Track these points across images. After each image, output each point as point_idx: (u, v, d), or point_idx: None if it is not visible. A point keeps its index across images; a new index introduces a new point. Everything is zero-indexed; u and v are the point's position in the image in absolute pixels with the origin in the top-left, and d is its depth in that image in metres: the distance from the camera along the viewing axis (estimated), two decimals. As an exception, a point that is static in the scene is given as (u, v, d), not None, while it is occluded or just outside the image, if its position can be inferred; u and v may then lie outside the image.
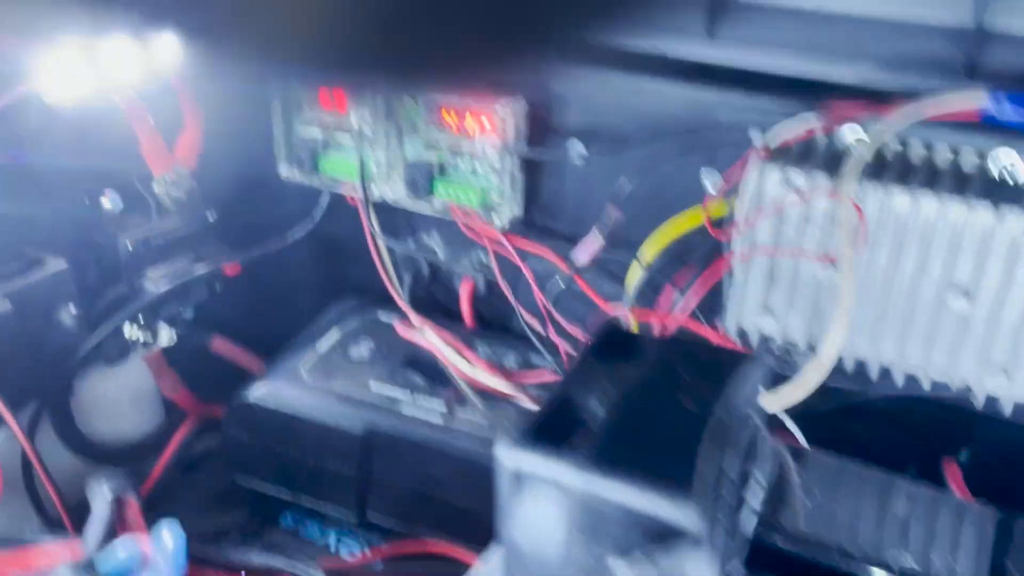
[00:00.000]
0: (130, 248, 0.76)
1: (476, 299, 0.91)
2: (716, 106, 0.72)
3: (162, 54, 0.78)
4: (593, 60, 0.76)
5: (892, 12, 0.65)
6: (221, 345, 0.89)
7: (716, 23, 0.70)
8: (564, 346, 0.78)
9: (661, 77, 0.73)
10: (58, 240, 0.75)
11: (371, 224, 0.90)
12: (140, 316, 0.78)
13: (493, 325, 0.92)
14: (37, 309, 0.68)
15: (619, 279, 0.81)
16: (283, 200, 0.97)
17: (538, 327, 0.80)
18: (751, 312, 0.68)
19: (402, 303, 0.85)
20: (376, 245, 0.89)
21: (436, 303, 0.97)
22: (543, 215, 0.83)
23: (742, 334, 0.69)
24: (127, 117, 0.75)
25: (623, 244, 0.81)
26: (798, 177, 0.63)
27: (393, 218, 0.91)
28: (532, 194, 0.82)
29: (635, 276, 0.75)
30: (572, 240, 0.83)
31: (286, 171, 0.88)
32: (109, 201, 0.78)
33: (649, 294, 0.75)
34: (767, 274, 0.67)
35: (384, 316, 0.88)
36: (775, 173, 0.64)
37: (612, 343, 0.52)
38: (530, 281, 0.79)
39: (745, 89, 0.70)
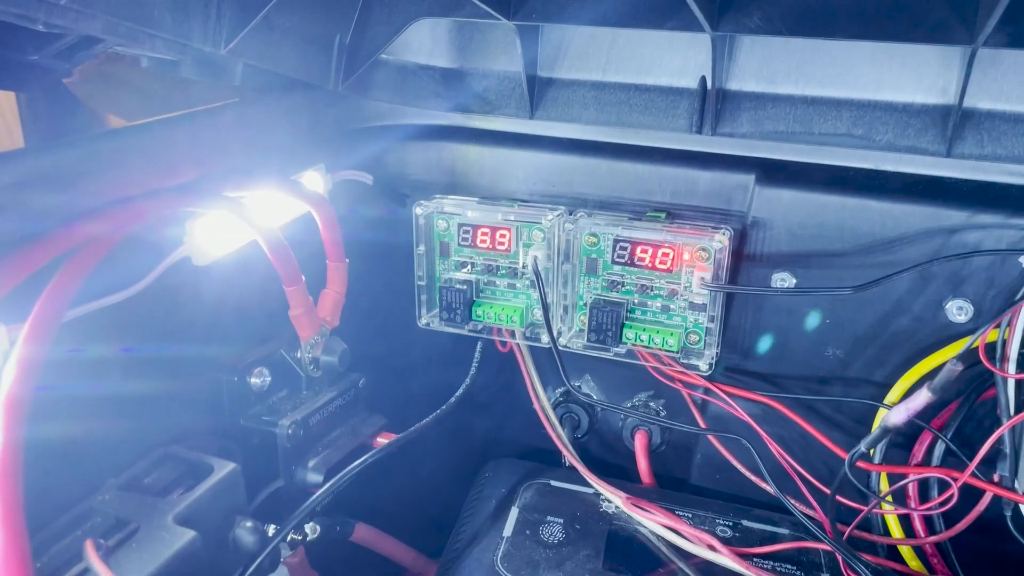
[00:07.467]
0: (288, 433, 0.63)
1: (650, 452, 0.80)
2: (961, 227, 0.65)
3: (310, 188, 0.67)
4: (802, 181, 0.69)
5: None
6: (365, 533, 0.74)
7: (956, 137, 0.64)
8: (801, 507, 0.67)
9: (888, 196, 0.67)
10: (209, 431, 0.61)
11: (531, 374, 0.79)
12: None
13: (668, 482, 0.81)
14: (212, 529, 0.53)
15: (838, 421, 0.72)
16: (427, 353, 0.85)
17: (767, 486, 0.69)
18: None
19: (578, 464, 0.73)
20: (538, 396, 0.78)
21: (592, 456, 0.85)
22: (740, 356, 0.74)
23: (1040, 485, 0.60)
24: (278, 278, 0.62)
25: (840, 381, 0.72)
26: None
27: (541, 363, 0.80)
28: (730, 333, 0.73)
29: (878, 419, 0.66)
30: (774, 383, 0.74)
31: (429, 320, 0.76)
32: (258, 378, 0.64)
33: (895, 437, 0.66)
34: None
35: (555, 480, 0.75)
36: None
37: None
38: (760, 433, 0.68)
39: (993, 207, 0.64)
